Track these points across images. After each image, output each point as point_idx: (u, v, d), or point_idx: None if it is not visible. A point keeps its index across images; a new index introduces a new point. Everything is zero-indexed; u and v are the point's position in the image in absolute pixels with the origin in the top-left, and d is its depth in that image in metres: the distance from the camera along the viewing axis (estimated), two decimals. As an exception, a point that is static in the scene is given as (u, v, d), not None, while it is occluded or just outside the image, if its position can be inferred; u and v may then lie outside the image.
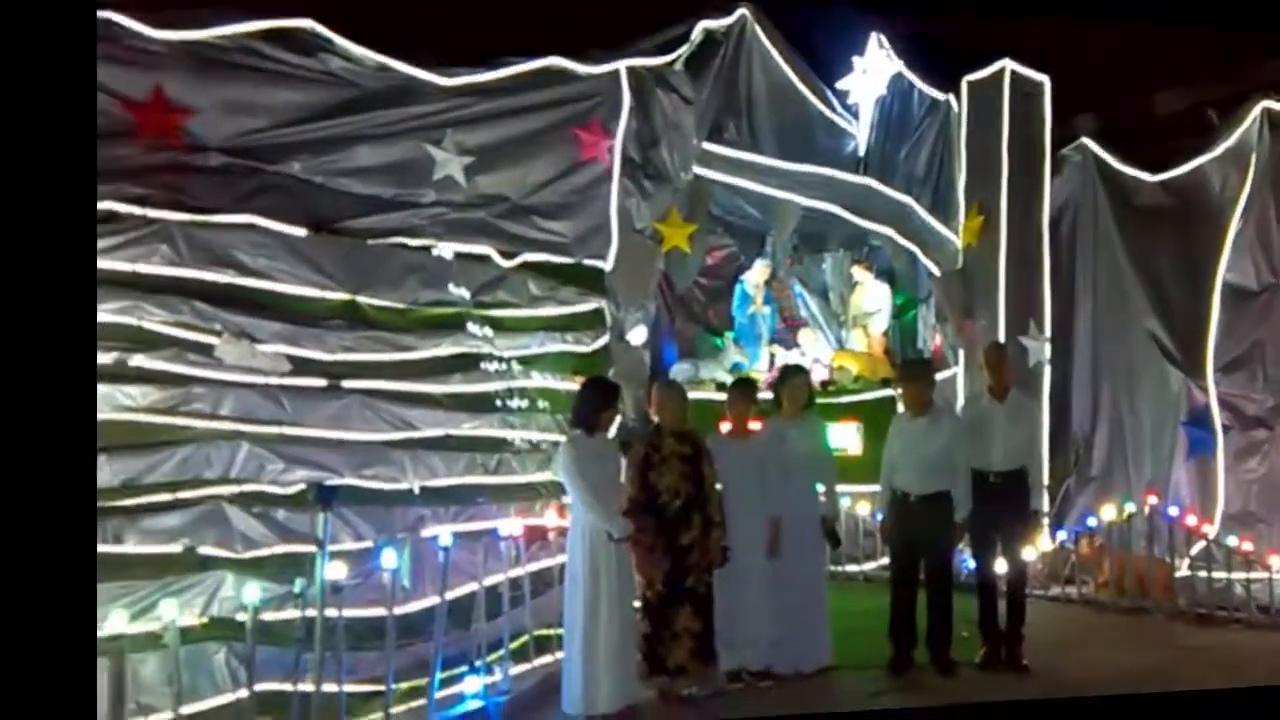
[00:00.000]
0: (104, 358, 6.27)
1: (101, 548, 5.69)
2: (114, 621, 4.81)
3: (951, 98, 10.50)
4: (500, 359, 7.98)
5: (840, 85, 10.79)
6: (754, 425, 6.58)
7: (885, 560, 7.65)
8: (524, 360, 8.12)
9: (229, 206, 7.27)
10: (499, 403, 7.70)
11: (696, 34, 9.89)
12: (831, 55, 10.79)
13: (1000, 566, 6.66)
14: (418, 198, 8.32)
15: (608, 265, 8.97)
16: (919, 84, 10.68)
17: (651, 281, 9.58)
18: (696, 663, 5.90)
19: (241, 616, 5.35)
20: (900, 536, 6.60)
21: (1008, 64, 10.11)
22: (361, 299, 7.63)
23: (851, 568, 9.34)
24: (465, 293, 8.14)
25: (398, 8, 8.71)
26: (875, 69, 10.80)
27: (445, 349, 7.78)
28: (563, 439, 7.56)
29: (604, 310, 8.85)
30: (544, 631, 6.38)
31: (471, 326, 8.02)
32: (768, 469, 6.31)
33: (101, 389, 6.14)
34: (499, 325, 8.18)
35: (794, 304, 11.83)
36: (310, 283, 7.42)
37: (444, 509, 6.72)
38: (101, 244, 6.58)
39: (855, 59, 10.78)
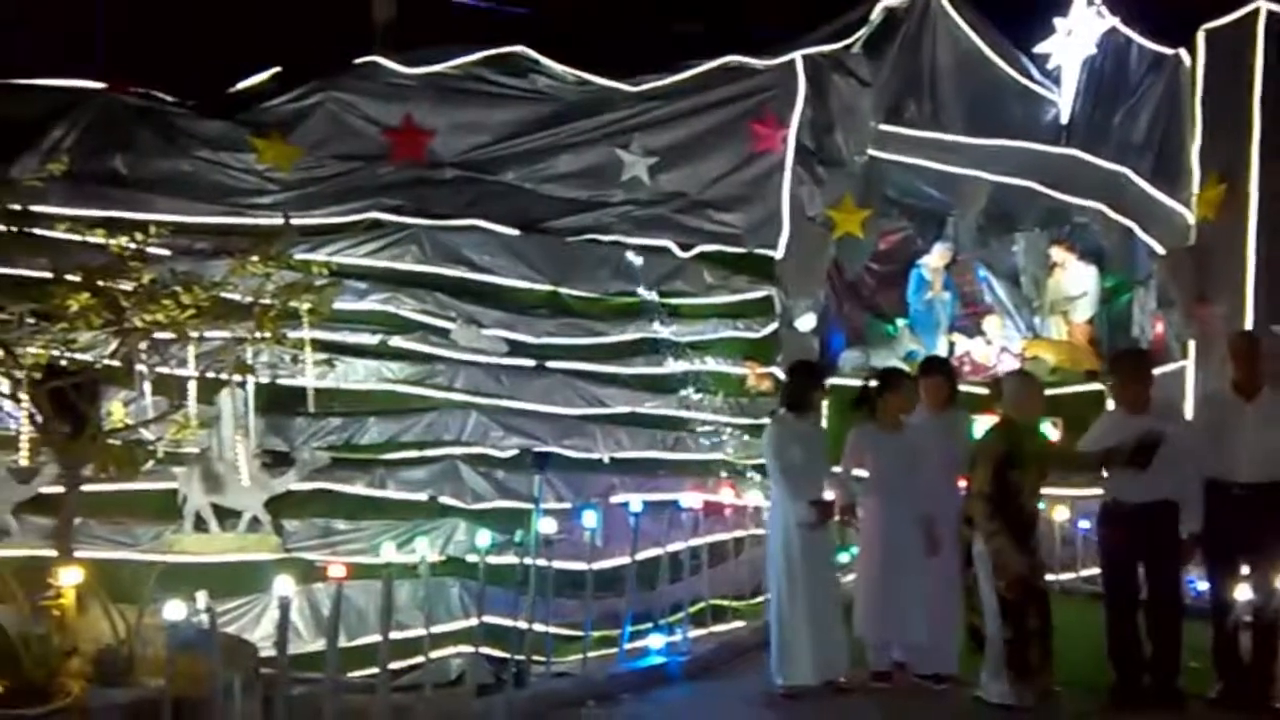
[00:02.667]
0: (371, 338, 7.87)
1: (370, 491, 7.33)
2: (385, 551, 6.21)
3: (1182, 51, 9.19)
4: (678, 344, 9.03)
5: (1039, 49, 10.24)
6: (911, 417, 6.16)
7: (1085, 572, 7.20)
8: (699, 345, 9.08)
9: (460, 212, 8.75)
10: (676, 385, 8.82)
11: (876, 14, 10.04)
12: (1028, 18, 10.20)
13: (1243, 592, 5.74)
14: (608, 198, 9.53)
15: (778, 253, 9.66)
16: (1138, 39, 9.65)
17: (822, 268, 9.99)
18: (1043, 665, 5.62)
19: (472, 558, 6.77)
20: (1120, 548, 5.82)
21: (1263, 4, 8.61)
22: (562, 290, 8.95)
23: (1048, 577, 8.91)
24: (648, 283, 9.24)
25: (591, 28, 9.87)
26: (1082, 28, 9.98)
27: (631, 334, 8.95)
28: (731, 420, 8.76)
29: (774, 297, 9.54)
30: (719, 601, 7.18)
31: (653, 314, 9.11)
32: (917, 463, 6.00)
33: (370, 363, 7.78)
34: (677, 313, 9.22)
35: (978, 289, 10.83)
36: (522, 276, 8.82)
37: (629, 479, 7.92)
38: (368, 247, 8.24)
39: (1057, 20, 10.12)
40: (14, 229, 5.75)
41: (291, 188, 8.50)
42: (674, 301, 9.30)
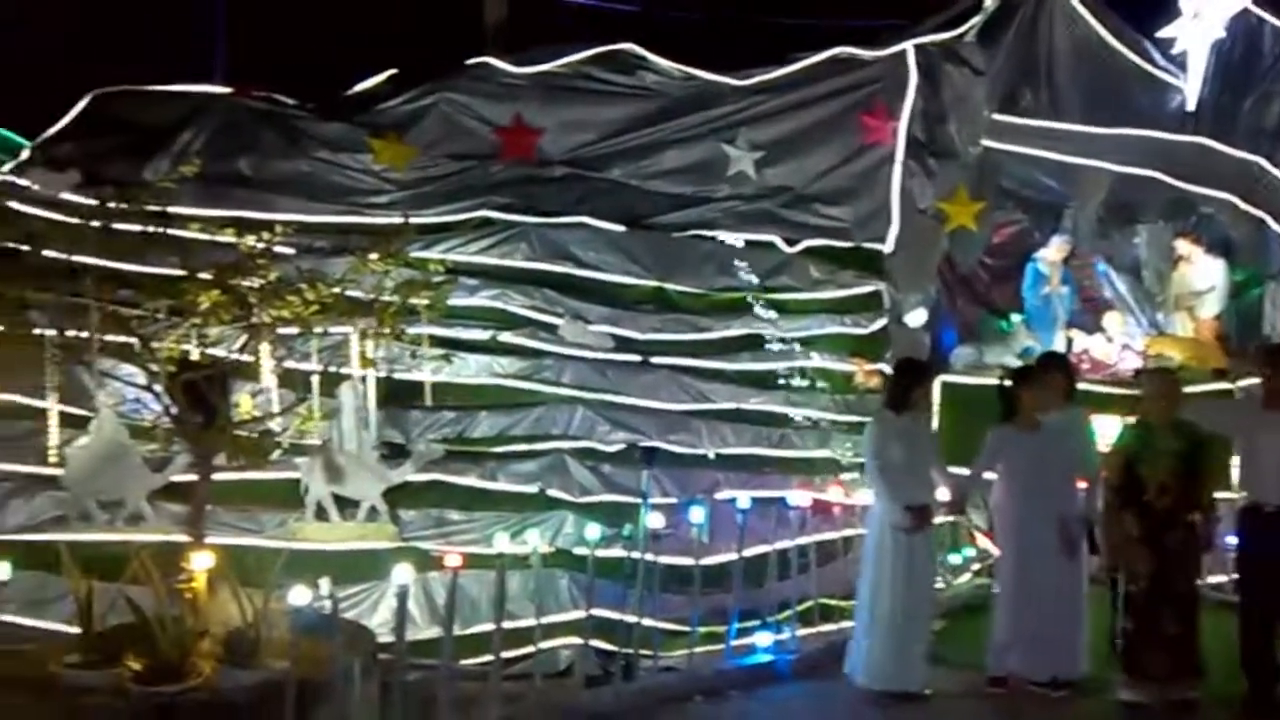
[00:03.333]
0: (481, 334, 8.04)
1: (481, 483, 7.49)
2: (498, 542, 6.33)
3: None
4: (783, 340, 8.97)
5: (1163, 34, 9.88)
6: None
7: (1214, 579, 6.95)
8: (805, 341, 8.97)
9: (568, 209, 8.85)
10: (782, 381, 8.75)
11: (991, 1, 9.82)
12: (1151, 1, 9.88)
13: None
14: (713, 193, 9.50)
15: (887, 248, 9.46)
16: (1272, 20, 9.46)
17: (933, 263, 9.79)
18: (1177, 672, 5.51)
19: (580, 551, 6.86)
20: (1259, 554, 5.66)
21: None
22: (668, 285, 8.97)
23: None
24: (753, 278, 9.18)
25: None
26: (1210, 9, 9.64)
27: (735, 330, 8.90)
28: (838, 417, 8.66)
29: (882, 292, 9.36)
30: (828, 600, 7.12)
31: (758, 309, 9.07)
32: (1048, 462, 5.86)
33: (480, 358, 7.94)
34: (782, 308, 9.13)
35: (1098, 283, 10.57)
36: (628, 272, 8.87)
37: (735, 475, 7.87)
38: (479, 244, 8.41)
39: (1182, 2, 9.75)
40: (151, 229, 6.06)
41: (406, 187, 8.73)
42: (779, 297, 9.22)
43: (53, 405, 6.68)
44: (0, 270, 6.35)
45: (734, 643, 6.59)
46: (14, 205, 7.20)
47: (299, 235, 7.37)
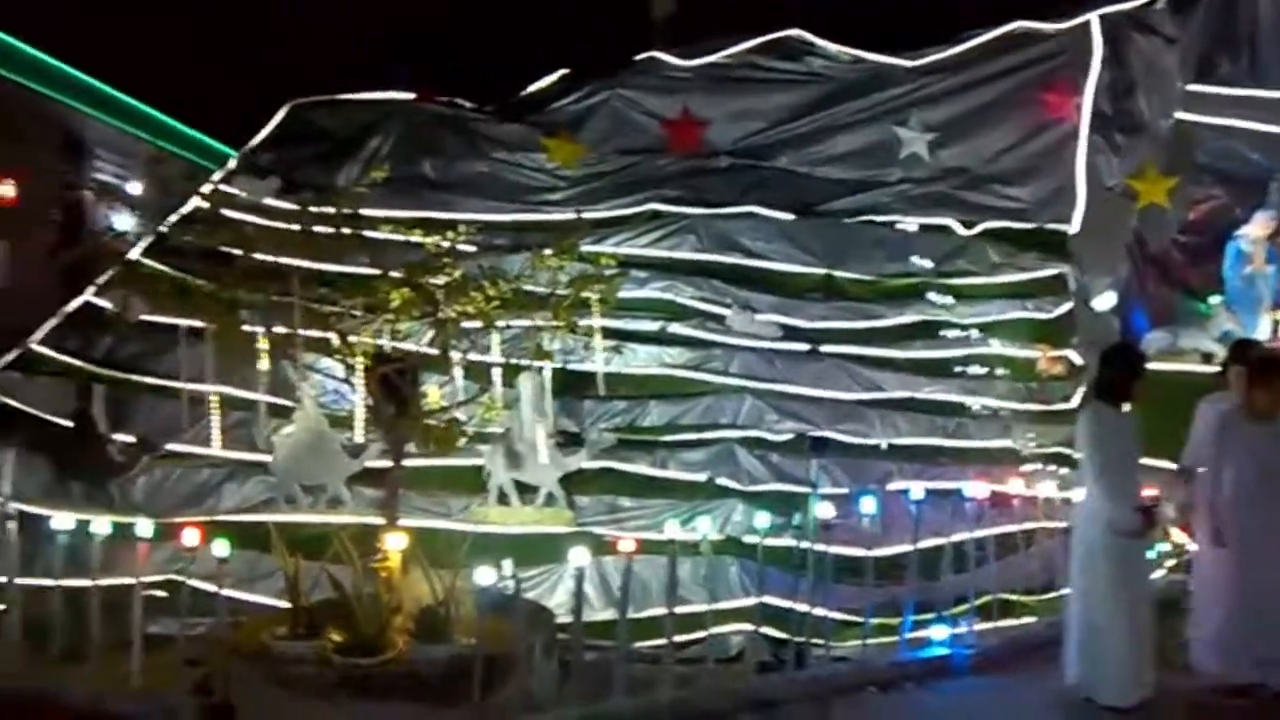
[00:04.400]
0: (651, 325, 8.20)
1: (652, 471, 7.65)
2: (669, 528, 6.49)
3: None
4: (960, 326, 8.71)
5: None
6: None
7: None
8: (983, 327, 8.68)
9: (735, 199, 8.88)
10: (958, 369, 8.50)
11: None
12: None
13: None
14: (885, 177, 9.35)
15: (1072, 228, 9.10)
16: None
17: (1121, 242, 9.38)
18: None
19: (750, 539, 6.92)
20: None
21: None
22: (837, 273, 8.85)
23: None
24: (927, 263, 8.97)
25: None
26: None
27: (908, 317, 8.70)
28: (1019, 406, 8.36)
29: (1067, 275, 8.99)
30: (1007, 595, 6.92)
31: (933, 295, 8.85)
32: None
33: (651, 349, 8.11)
34: (959, 293, 8.87)
35: None
36: (796, 260, 8.81)
37: (908, 466, 7.74)
38: (648, 237, 8.56)
39: None
40: (346, 231, 6.50)
41: (578, 183, 8.99)
42: (956, 282, 8.98)
43: (262, 397, 7.24)
44: (215, 273, 7.00)
45: (909, 635, 6.51)
46: (225, 212, 7.84)
47: (479, 233, 7.71)
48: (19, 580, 6.05)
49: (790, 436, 7.90)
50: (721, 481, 7.61)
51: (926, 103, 9.40)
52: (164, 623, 6.12)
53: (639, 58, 9.40)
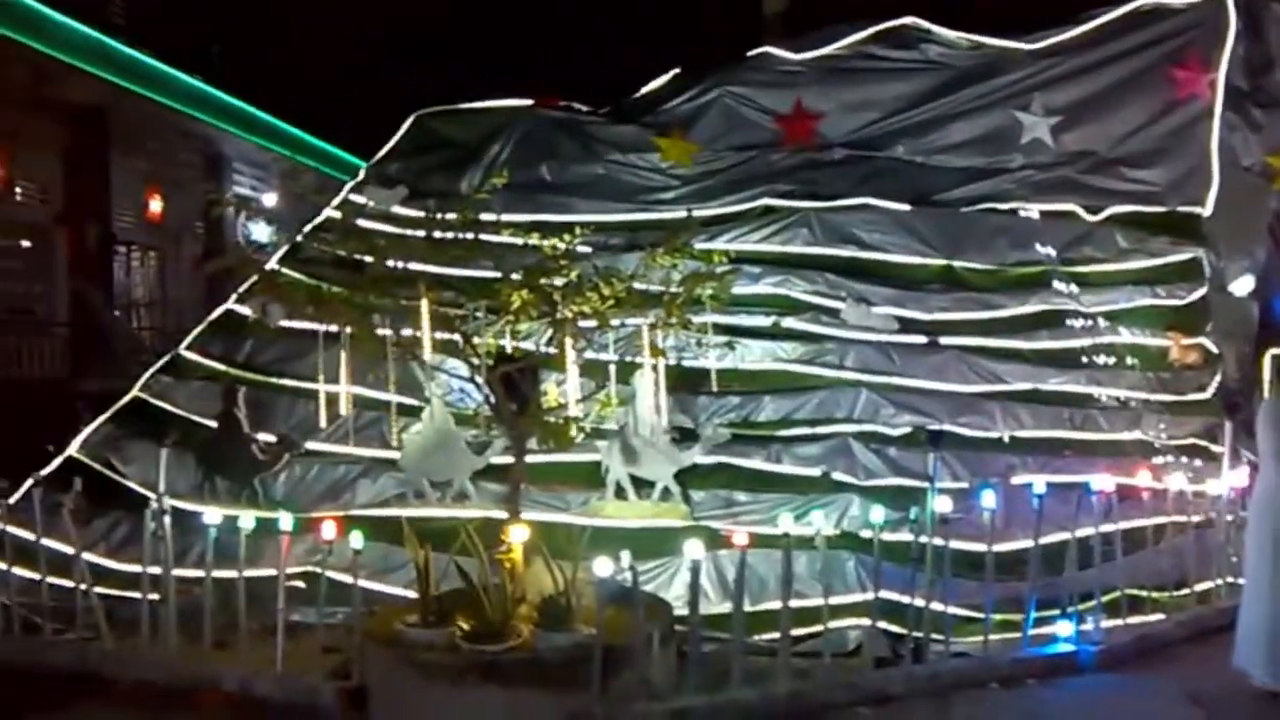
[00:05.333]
0: (764, 320, 8.22)
1: (767, 465, 7.68)
2: (783, 522, 6.52)
3: None
4: (1086, 315, 8.47)
5: None
6: None
7: None
8: (1111, 316, 8.46)
9: (849, 191, 8.81)
10: (1085, 359, 8.27)
11: None
12: None
13: None
14: (1006, 163, 9.13)
15: (1206, 210, 8.76)
16: None
17: (1260, 224, 8.99)
18: None
19: (866, 534, 6.88)
20: None
21: None
22: (956, 263, 8.70)
23: None
24: (1051, 251, 8.73)
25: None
26: None
27: (1032, 306, 8.50)
28: (1151, 396, 8.06)
29: (1201, 259, 8.70)
30: (1136, 591, 6.76)
31: (1057, 284, 8.62)
32: None
33: (764, 344, 8.13)
34: (1085, 281, 8.64)
35: None
36: (913, 251, 8.69)
37: (1032, 459, 7.57)
38: (761, 233, 8.58)
39: None
40: (469, 236, 6.75)
41: (691, 182, 9.05)
42: (1081, 269, 8.74)
43: (392, 397, 7.57)
44: (348, 279, 7.36)
45: (1032, 631, 6.39)
46: (356, 221, 8.21)
47: (595, 234, 7.87)
48: (173, 572, 6.48)
49: (908, 430, 7.81)
50: (836, 476, 7.58)
51: (1049, 86, 9.16)
52: (303, 611, 6.50)
53: (751, 54, 9.41)
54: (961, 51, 9.25)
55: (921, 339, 8.33)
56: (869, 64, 9.13)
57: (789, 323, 8.25)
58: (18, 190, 16.79)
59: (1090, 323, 8.47)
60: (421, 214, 7.15)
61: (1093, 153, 9.11)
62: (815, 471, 7.62)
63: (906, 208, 8.80)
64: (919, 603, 6.27)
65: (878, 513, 6.62)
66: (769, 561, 6.65)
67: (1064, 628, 6.38)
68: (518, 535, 6.08)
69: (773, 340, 8.17)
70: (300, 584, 6.69)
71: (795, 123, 9.01)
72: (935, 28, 9.20)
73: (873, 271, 8.56)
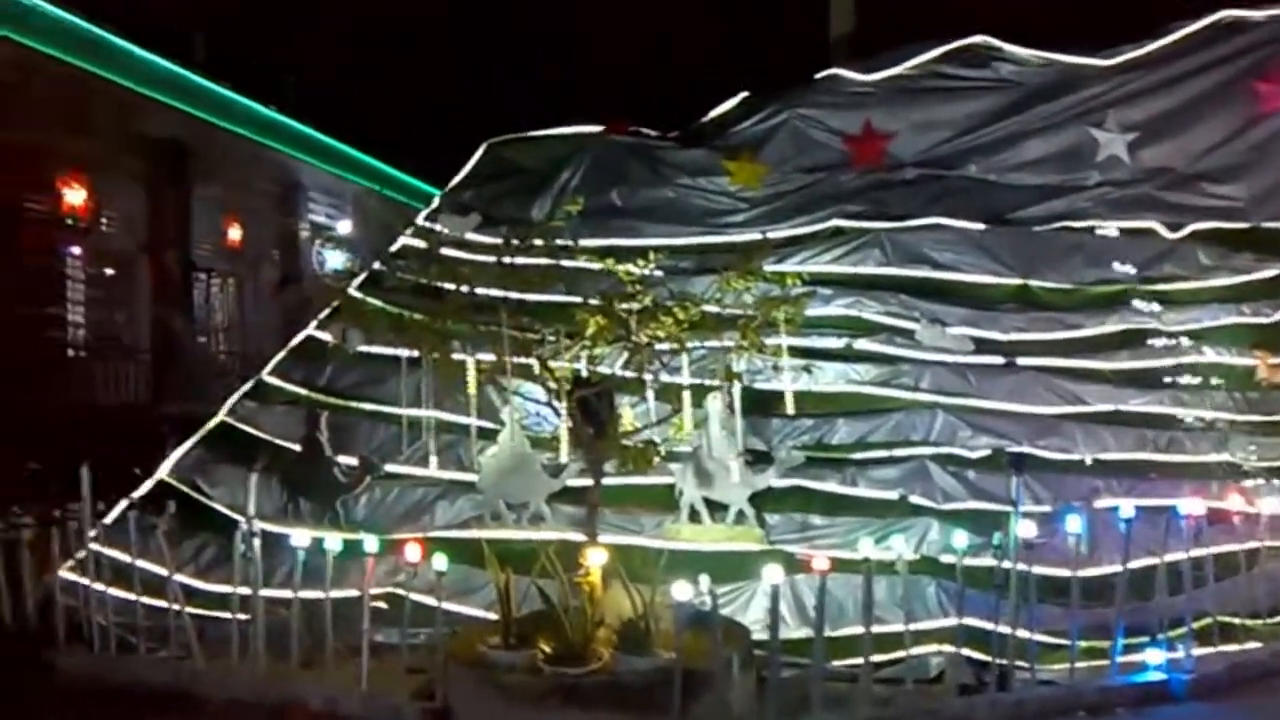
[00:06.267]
0: (837, 342, 8.18)
1: (842, 489, 7.63)
2: (862, 547, 6.48)
3: None
4: (1169, 334, 8.29)
5: None
6: None
7: None
8: (1194, 334, 8.27)
9: (921, 211, 8.74)
10: (1168, 379, 8.09)
11: None
12: None
13: None
14: (1082, 180, 8.99)
15: (1293, 224, 8.48)
16: None
17: None
18: None
19: (946, 558, 6.80)
20: None
21: None
22: (1032, 282, 8.56)
23: None
24: (1130, 269, 8.57)
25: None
26: None
27: (1111, 326, 8.33)
28: (1237, 417, 7.85)
29: None
30: (1228, 619, 6.60)
31: (1137, 302, 8.44)
32: None
33: (837, 366, 8.09)
34: (1166, 299, 8.45)
35: None
36: (987, 271, 8.58)
37: (1116, 482, 7.41)
38: (832, 254, 8.54)
39: None
40: (544, 262, 6.86)
41: (760, 204, 9.05)
42: (1163, 287, 8.55)
43: (470, 420, 7.68)
44: (426, 305, 7.51)
45: (1120, 659, 6.26)
46: (431, 248, 8.38)
47: (665, 257, 7.92)
48: (261, 592, 6.65)
49: (987, 452, 7.70)
50: (914, 499, 7.49)
51: (1125, 102, 9.04)
52: (386, 632, 6.62)
53: (819, 76, 9.43)
54: (1033, 68, 9.17)
55: (998, 360, 8.21)
56: (939, 83, 9.09)
57: (862, 344, 8.19)
58: (103, 221, 17.41)
59: (1173, 342, 8.28)
60: (495, 240, 7.28)
61: (1171, 169, 8.96)
62: (892, 495, 7.54)
63: (980, 227, 8.71)
64: (1003, 629, 6.18)
65: (960, 537, 6.54)
66: (847, 586, 6.61)
67: (1154, 655, 6.23)
68: (596, 558, 6.13)
69: (845, 362, 8.12)
70: (383, 605, 6.81)
71: (865, 143, 8.99)
72: (1006, 45, 9.14)
73: (946, 292, 8.47)
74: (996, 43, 9.13)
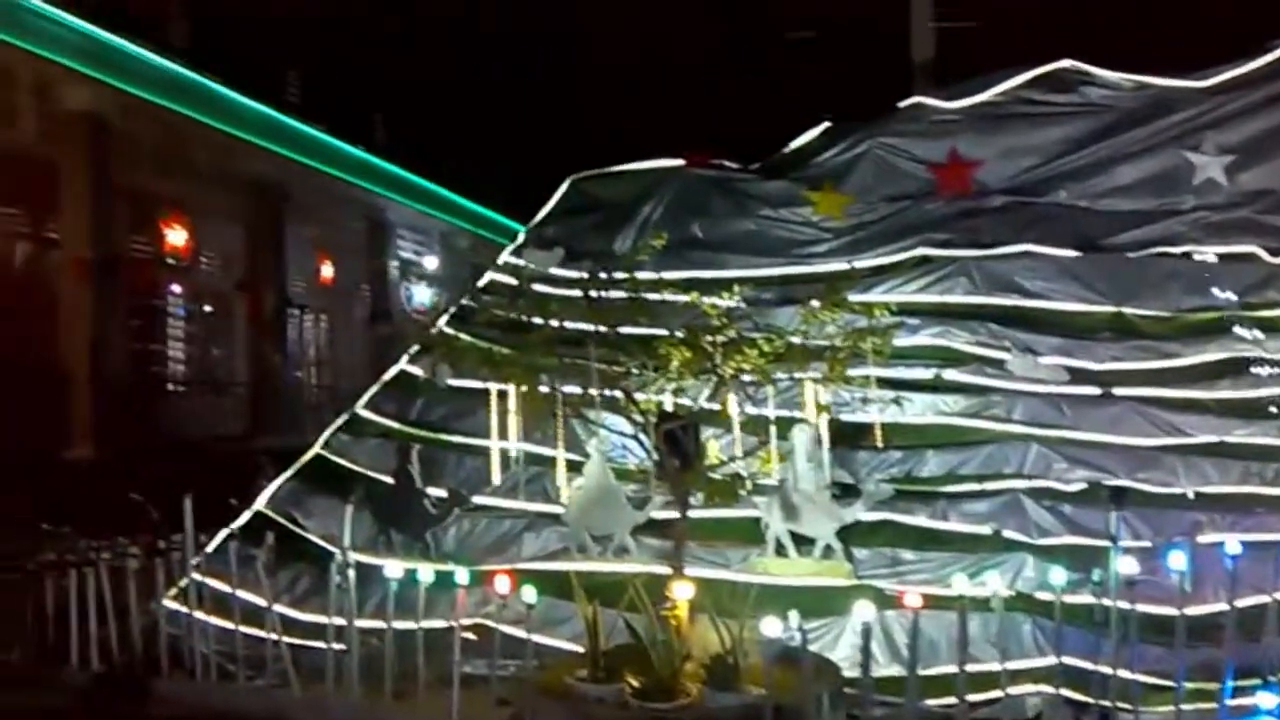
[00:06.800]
0: (925, 372, 8.06)
1: (932, 523, 7.49)
2: (957, 583, 6.33)
3: None
4: (1273, 362, 7.98)
5: None
6: None
7: None
8: (1301, 363, 7.98)
9: (1010, 239, 8.58)
10: (1274, 409, 7.78)
11: None
12: None
13: None
14: (1177, 205, 8.73)
15: None
16: None
17: None
18: None
19: (1042, 595, 6.61)
20: None
21: None
22: (1127, 310, 8.32)
23: None
24: (1230, 295, 8.28)
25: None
26: None
27: (1211, 354, 8.04)
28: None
29: None
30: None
31: (1238, 329, 8.14)
32: None
33: (925, 397, 7.96)
34: (1270, 326, 8.12)
35: None
36: (1080, 299, 8.36)
37: (1220, 516, 7.14)
38: (919, 282, 8.44)
39: None
40: (629, 295, 6.92)
41: (844, 234, 8.99)
42: (1264, 314, 8.23)
43: (556, 452, 7.75)
44: (513, 339, 7.63)
45: (1230, 702, 6.01)
46: (519, 282, 8.53)
47: (748, 289, 7.93)
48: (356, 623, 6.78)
49: (1083, 486, 7.48)
50: (1007, 534, 7.32)
51: (1222, 124, 8.78)
52: (475, 664, 6.68)
53: (902, 105, 9.38)
54: (1125, 92, 8.98)
55: (1094, 390, 8.00)
56: (1026, 109, 8.95)
57: (950, 374, 8.05)
58: (203, 260, 18.14)
59: (1276, 370, 7.97)
60: (579, 274, 7.36)
61: (1272, 191, 8.66)
62: (985, 529, 7.37)
63: (1072, 254, 8.51)
64: (1104, 669, 5.98)
65: (1058, 574, 6.36)
66: (940, 623, 6.48)
67: (1266, 699, 5.94)
68: (682, 592, 6.11)
69: (934, 393, 7.99)
70: (471, 636, 6.88)
71: (950, 171, 8.89)
72: (1095, 69, 8.97)
73: (1037, 320, 8.28)
74: (1085, 67, 8.96)
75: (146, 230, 17.17)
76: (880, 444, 7.63)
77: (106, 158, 16.22)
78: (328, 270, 20.11)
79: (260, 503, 8.38)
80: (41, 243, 16.26)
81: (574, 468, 7.76)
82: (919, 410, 7.95)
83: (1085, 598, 6.38)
